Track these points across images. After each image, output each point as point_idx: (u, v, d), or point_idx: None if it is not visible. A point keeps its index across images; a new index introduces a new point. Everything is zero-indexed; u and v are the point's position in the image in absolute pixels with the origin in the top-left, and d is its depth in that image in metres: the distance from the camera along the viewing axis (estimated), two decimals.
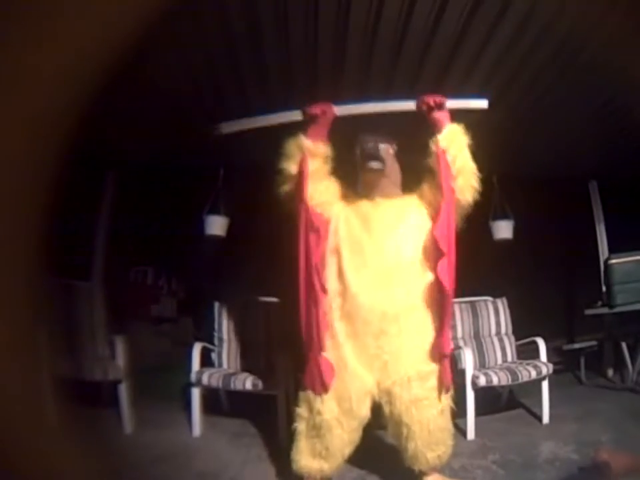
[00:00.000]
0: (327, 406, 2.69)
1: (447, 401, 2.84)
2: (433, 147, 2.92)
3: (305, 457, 2.78)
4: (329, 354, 2.76)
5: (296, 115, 3.00)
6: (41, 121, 1.26)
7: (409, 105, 3.02)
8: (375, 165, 2.94)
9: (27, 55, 1.17)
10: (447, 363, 2.86)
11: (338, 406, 2.69)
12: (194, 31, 3.16)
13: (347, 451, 2.78)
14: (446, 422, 2.83)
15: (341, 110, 3.01)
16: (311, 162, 2.89)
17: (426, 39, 3.32)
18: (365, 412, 2.73)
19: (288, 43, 3.37)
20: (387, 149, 3.02)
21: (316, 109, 2.93)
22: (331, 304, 2.83)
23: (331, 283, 2.85)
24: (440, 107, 2.91)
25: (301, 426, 2.80)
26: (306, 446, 2.77)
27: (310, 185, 2.88)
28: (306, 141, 2.92)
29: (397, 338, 2.72)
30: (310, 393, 2.76)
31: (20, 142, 1.22)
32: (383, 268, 2.79)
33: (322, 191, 2.96)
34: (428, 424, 2.70)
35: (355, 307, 2.76)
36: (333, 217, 2.97)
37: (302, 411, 2.81)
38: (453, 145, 2.89)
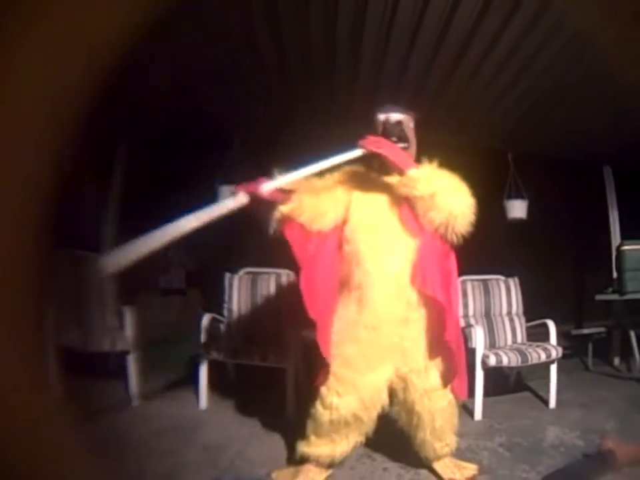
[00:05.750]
0: (345, 401, 2.60)
1: None
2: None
3: (314, 448, 2.73)
4: (347, 348, 2.64)
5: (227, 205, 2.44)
6: (52, 95, 1.24)
7: (354, 153, 2.55)
8: (401, 146, 2.68)
9: (40, 29, 1.15)
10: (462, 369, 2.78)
11: (357, 400, 2.61)
12: (212, 8, 3.14)
13: (363, 438, 2.74)
14: (454, 413, 2.79)
15: (270, 186, 2.48)
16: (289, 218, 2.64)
17: (441, 29, 3.37)
18: (384, 401, 2.67)
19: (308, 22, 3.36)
20: (408, 123, 2.80)
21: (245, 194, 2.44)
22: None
23: (348, 274, 2.68)
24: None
25: (313, 423, 2.72)
26: (318, 439, 2.72)
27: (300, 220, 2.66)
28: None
29: (419, 324, 2.62)
30: (324, 389, 2.67)
31: (29, 116, 1.21)
32: (402, 252, 2.61)
33: (312, 213, 2.69)
34: (440, 414, 2.67)
35: (380, 296, 2.59)
36: (338, 214, 2.74)
37: (315, 407, 2.71)
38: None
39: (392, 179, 2.65)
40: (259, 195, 2.43)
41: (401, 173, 2.54)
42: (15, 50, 1.13)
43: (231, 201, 2.42)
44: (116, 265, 2.11)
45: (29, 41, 1.14)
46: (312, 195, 2.68)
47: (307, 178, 2.55)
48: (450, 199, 2.50)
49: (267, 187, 2.45)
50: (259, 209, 2.55)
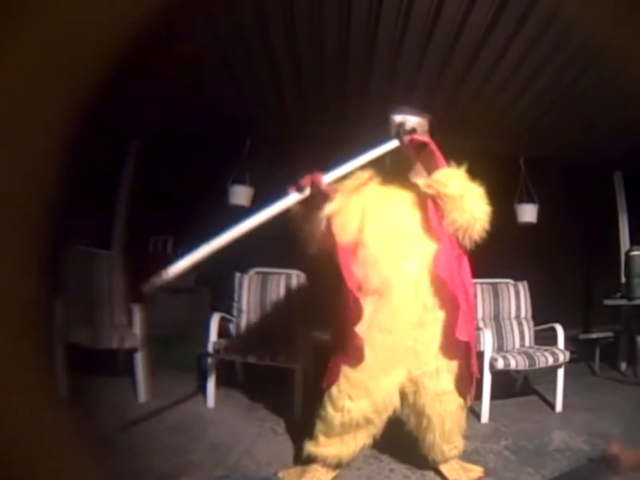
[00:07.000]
0: (357, 404, 2.59)
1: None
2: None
3: (322, 448, 2.72)
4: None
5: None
6: (58, 90, 1.24)
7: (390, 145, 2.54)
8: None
9: (48, 23, 1.16)
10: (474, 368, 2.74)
11: (369, 404, 2.60)
12: (224, 4, 3.15)
13: (371, 440, 2.74)
14: (463, 416, 2.79)
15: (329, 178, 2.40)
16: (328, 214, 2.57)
17: (454, 34, 3.42)
18: (395, 404, 2.64)
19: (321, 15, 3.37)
20: (422, 125, 2.76)
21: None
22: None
23: (364, 278, 2.63)
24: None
25: (322, 424, 2.71)
26: (326, 440, 2.71)
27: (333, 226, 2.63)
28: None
29: (433, 327, 2.62)
30: (335, 392, 2.65)
31: (36, 110, 1.21)
32: (419, 257, 2.61)
33: (344, 221, 2.69)
34: (449, 417, 2.67)
35: (396, 299, 2.59)
36: (357, 224, 2.72)
37: (325, 409, 2.70)
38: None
39: (416, 178, 2.71)
40: (322, 186, 2.34)
41: (435, 168, 2.55)
42: (16, 43, 1.13)
43: (295, 193, 2.32)
44: (176, 271, 2.02)
45: (29, 34, 1.14)
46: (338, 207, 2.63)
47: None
48: (474, 203, 2.54)
49: (327, 178, 2.37)
50: (313, 204, 2.44)
